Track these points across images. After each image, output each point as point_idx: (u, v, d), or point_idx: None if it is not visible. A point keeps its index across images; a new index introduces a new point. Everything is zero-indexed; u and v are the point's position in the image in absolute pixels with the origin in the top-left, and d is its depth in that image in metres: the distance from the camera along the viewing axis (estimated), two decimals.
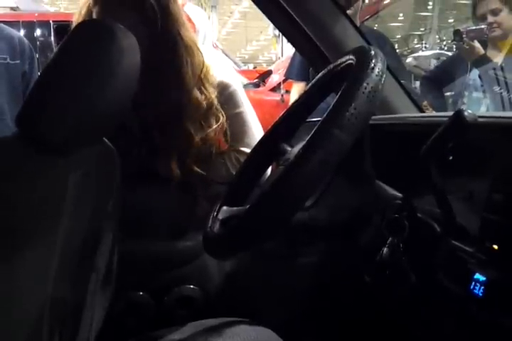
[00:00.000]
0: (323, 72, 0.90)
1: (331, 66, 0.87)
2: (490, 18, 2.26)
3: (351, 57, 0.79)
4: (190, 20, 2.25)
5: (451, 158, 0.70)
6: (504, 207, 0.68)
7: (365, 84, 0.68)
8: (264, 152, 0.93)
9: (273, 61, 13.21)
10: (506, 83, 2.26)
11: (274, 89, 4.87)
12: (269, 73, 5.70)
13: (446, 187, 0.72)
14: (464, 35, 2.25)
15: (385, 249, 0.76)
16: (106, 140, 0.82)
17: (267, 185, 0.67)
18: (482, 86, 2.37)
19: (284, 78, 3.93)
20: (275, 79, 5.00)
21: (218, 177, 1.18)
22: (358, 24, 2.40)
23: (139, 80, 0.77)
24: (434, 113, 1.68)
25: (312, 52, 1.25)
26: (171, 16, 1.12)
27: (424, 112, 1.25)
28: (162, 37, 1.11)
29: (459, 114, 0.66)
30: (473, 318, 0.67)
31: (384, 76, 0.71)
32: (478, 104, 2.39)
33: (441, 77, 2.49)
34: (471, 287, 0.64)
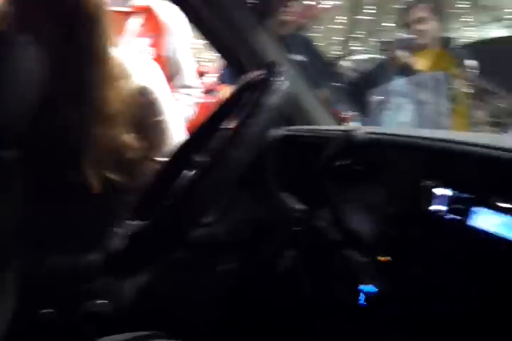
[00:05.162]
0: (236, 85, 0.91)
1: (242, 80, 0.89)
2: (416, 26, 2.34)
3: (259, 72, 0.81)
4: (156, 20, 1.77)
5: (345, 172, 0.72)
6: (396, 220, 0.71)
7: (265, 101, 0.70)
8: (174, 164, 0.93)
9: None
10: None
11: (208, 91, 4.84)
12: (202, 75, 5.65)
13: (343, 201, 0.75)
14: (389, 45, 2.33)
15: (286, 261, 0.78)
16: (8, 149, 0.80)
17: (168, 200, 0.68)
18: (407, 93, 2.47)
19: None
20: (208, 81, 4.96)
21: (134, 187, 1.16)
22: (288, 30, 2.43)
23: (51, 84, 0.75)
24: (335, 126, 1.63)
25: (234, 61, 1.26)
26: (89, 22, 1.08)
27: (339, 123, 1.28)
28: (72, 39, 1.07)
29: (347, 131, 0.69)
30: (360, 328, 0.70)
31: (286, 93, 0.72)
32: (403, 111, 2.48)
33: (366, 83, 2.56)
34: (359, 297, 0.67)
